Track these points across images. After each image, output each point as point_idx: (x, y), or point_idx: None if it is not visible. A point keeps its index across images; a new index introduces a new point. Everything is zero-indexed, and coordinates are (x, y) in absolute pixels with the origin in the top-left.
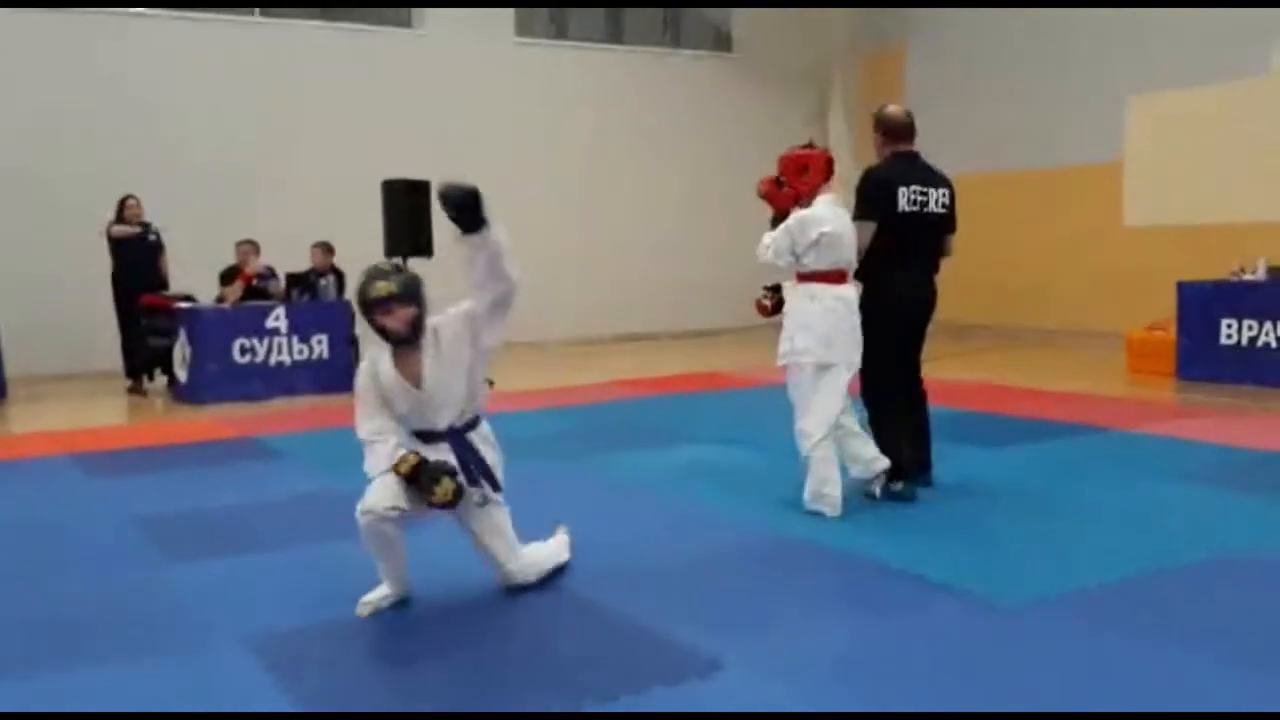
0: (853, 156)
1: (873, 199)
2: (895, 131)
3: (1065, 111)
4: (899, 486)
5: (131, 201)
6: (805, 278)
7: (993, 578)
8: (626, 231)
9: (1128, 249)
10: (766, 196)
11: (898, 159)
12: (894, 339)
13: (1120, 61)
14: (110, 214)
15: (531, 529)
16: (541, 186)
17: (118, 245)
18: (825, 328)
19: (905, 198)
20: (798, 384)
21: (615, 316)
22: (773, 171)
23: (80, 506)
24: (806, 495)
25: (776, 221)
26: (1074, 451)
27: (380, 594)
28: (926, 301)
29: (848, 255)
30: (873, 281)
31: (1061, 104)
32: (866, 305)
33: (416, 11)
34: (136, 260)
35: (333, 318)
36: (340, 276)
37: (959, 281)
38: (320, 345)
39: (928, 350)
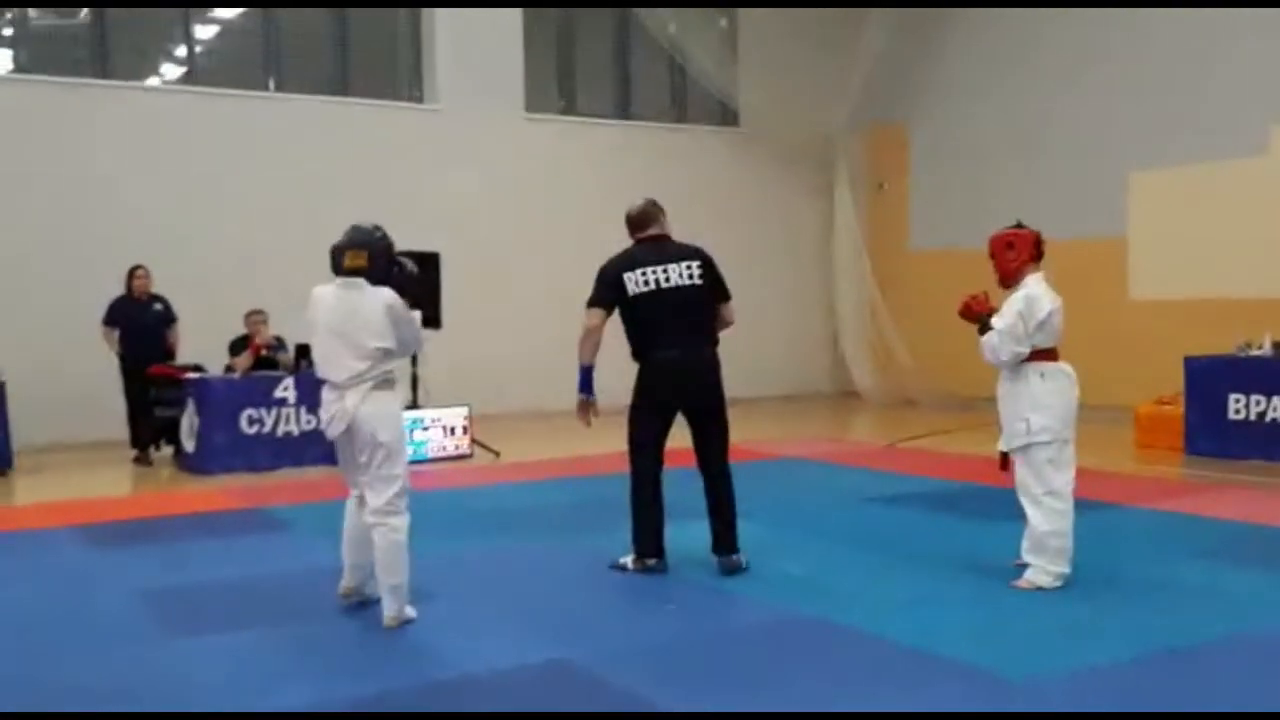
0: (860, 228)
1: (603, 290)
2: (630, 224)
3: (1069, 186)
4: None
5: (140, 272)
6: (1030, 357)
7: (1003, 654)
8: None
9: (1134, 322)
10: (968, 310)
11: (636, 245)
12: (655, 414)
13: (1123, 139)
14: (120, 286)
15: (532, 605)
16: (549, 258)
17: (124, 316)
18: (1060, 405)
19: (633, 281)
20: (1036, 463)
21: (623, 388)
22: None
23: (83, 579)
24: (1062, 567)
25: (983, 329)
26: (1083, 527)
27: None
28: (693, 377)
29: (1061, 330)
30: (639, 363)
31: (1066, 179)
32: (635, 387)
33: (429, 86)
34: (143, 331)
35: None
36: None
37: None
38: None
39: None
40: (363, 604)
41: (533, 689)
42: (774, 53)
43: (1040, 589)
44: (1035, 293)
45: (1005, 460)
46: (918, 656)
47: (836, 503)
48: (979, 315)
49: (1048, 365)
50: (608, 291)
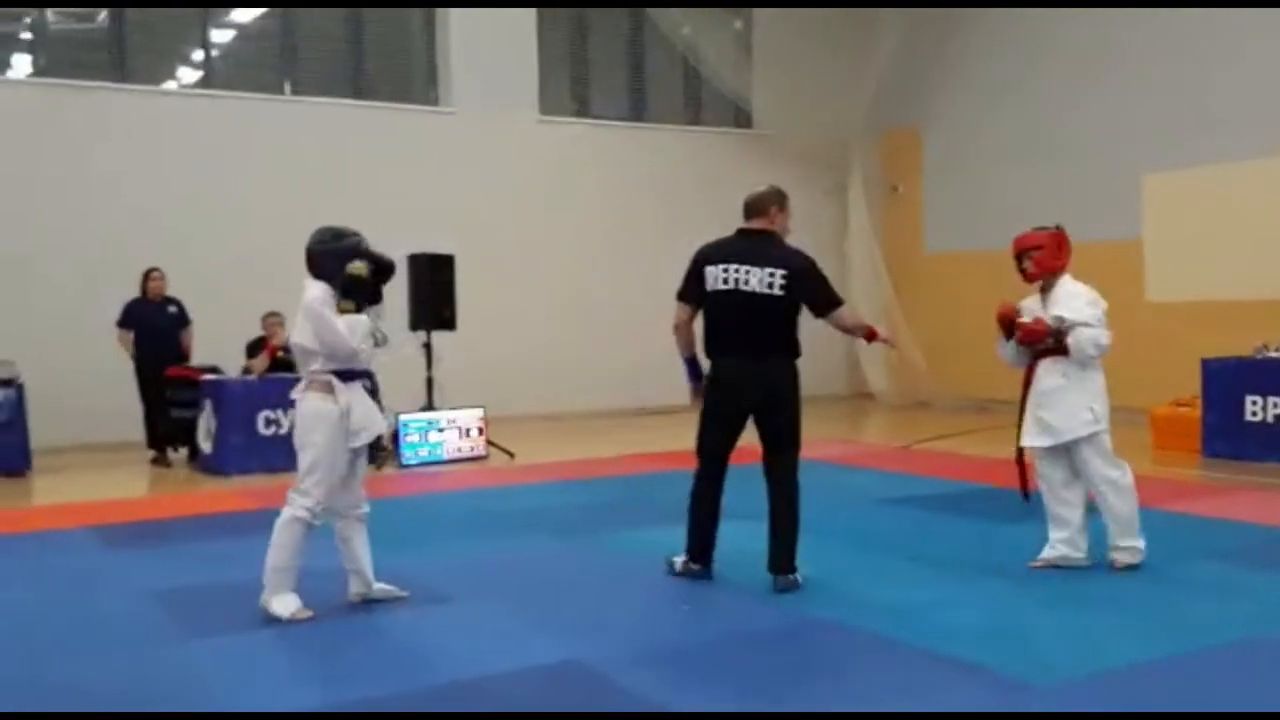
0: (874, 231)
1: (686, 280)
2: (744, 208)
3: (1084, 188)
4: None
5: (155, 274)
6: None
7: (1019, 657)
8: (648, 305)
9: (1150, 324)
10: (1037, 334)
11: (734, 235)
12: (717, 419)
13: (1137, 140)
14: (135, 289)
15: (547, 606)
16: (564, 261)
17: (139, 318)
18: (1106, 394)
19: (714, 276)
20: (1103, 449)
21: (636, 389)
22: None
23: (98, 580)
24: (1137, 541)
25: (1058, 338)
26: (1101, 529)
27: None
28: (757, 388)
29: None
30: (709, 365)
31: (1080, 181)
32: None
33: (443, 89)
34: (158, 333)
35: None
36: None
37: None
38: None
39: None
40: (368, 603)
41: (547, 689)
42: (788, 55)
43: (1131, 567)
44: (1092, 290)
45: (1022, 455)
46: (932, 659)
47: (851, 504)
48: (1046, 331)
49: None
50: (691, 282)
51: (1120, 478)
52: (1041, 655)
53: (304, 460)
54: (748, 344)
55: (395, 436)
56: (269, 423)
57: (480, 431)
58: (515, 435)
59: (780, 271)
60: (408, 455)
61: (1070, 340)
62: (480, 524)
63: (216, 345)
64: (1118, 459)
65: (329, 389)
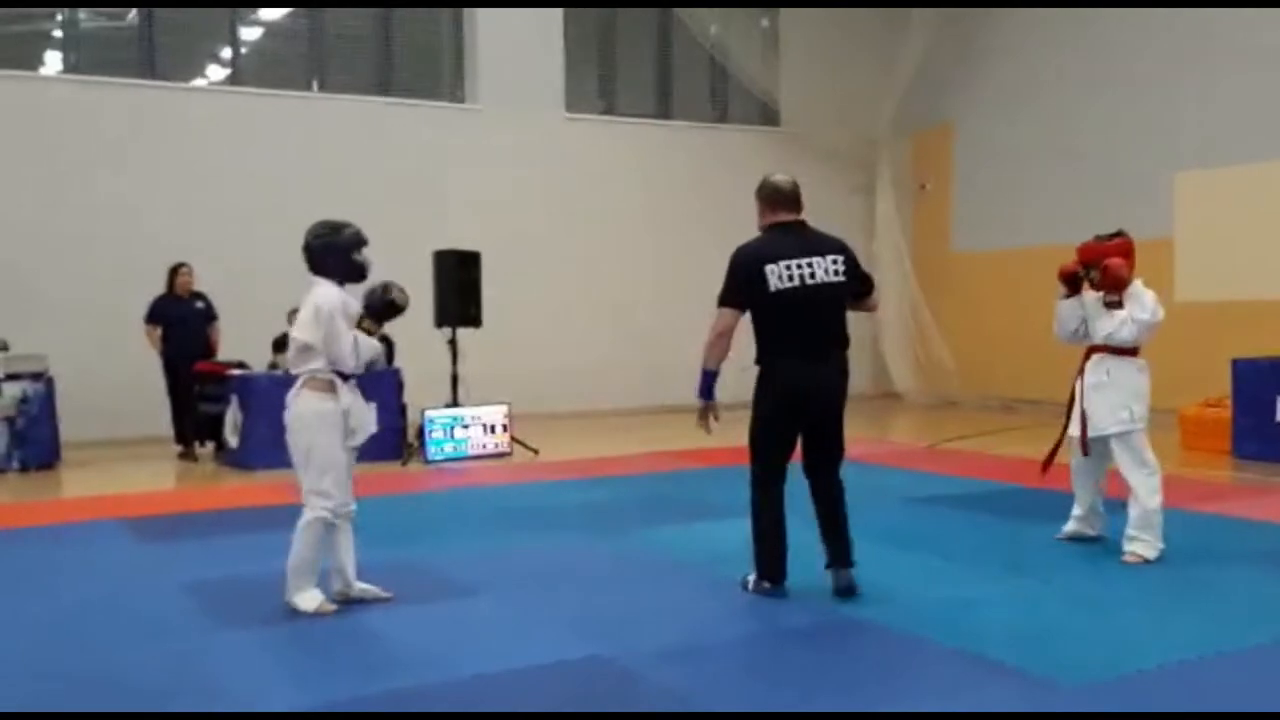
0: (902, 230)
1: (737, 285)
2: (769, 200)
3: (1114, 187)
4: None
5: (184, 270)
6: (1131, 352)
7: (1051, 658)
8: (674, 302)
9: (1180, 325)
10: (1118, 275)
11: (773, 230)
12: (781, 429)
13: (1168, 139)
14: (163, 284)
15: (572, 602)
16: (589, 258)
17: (167, 314)
18: (1148, 396)
19: (777, 275)
20: (1137, 446)
21: (661, 387)
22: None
23: (130, 572)
24: (1161, 542)
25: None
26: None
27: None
28: (824, 391)
29: None
30: (764, 370)
31: (1110, 179)
32: (758, 394)
33: (470, 87)
34: (186, 328)
35: (383, 386)
36: (390, 345)
37: (1008, 357)
38: (369, 413)
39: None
40: (349, 603)
41: (572, 685)
42: (816, 53)
43: (1146, 561)
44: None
45: (1052, 456)
46: (963, 658)
47: (877, 503)
48: (1127, 276)
49: (1143, 361)
50: (744, 287)
51: (1146, 479)
52: (1072, 655)
53: (315, 462)
54: (818, 341)
55: (420, 432)
56: None
57: (505, 428)
58: (540, 432)
59: (840, 257)
60: (432, 451)
61: (1118, 312)
62: (504, 520)
63: (244, 341)
64: (1149, 459)
65: (331, 389)
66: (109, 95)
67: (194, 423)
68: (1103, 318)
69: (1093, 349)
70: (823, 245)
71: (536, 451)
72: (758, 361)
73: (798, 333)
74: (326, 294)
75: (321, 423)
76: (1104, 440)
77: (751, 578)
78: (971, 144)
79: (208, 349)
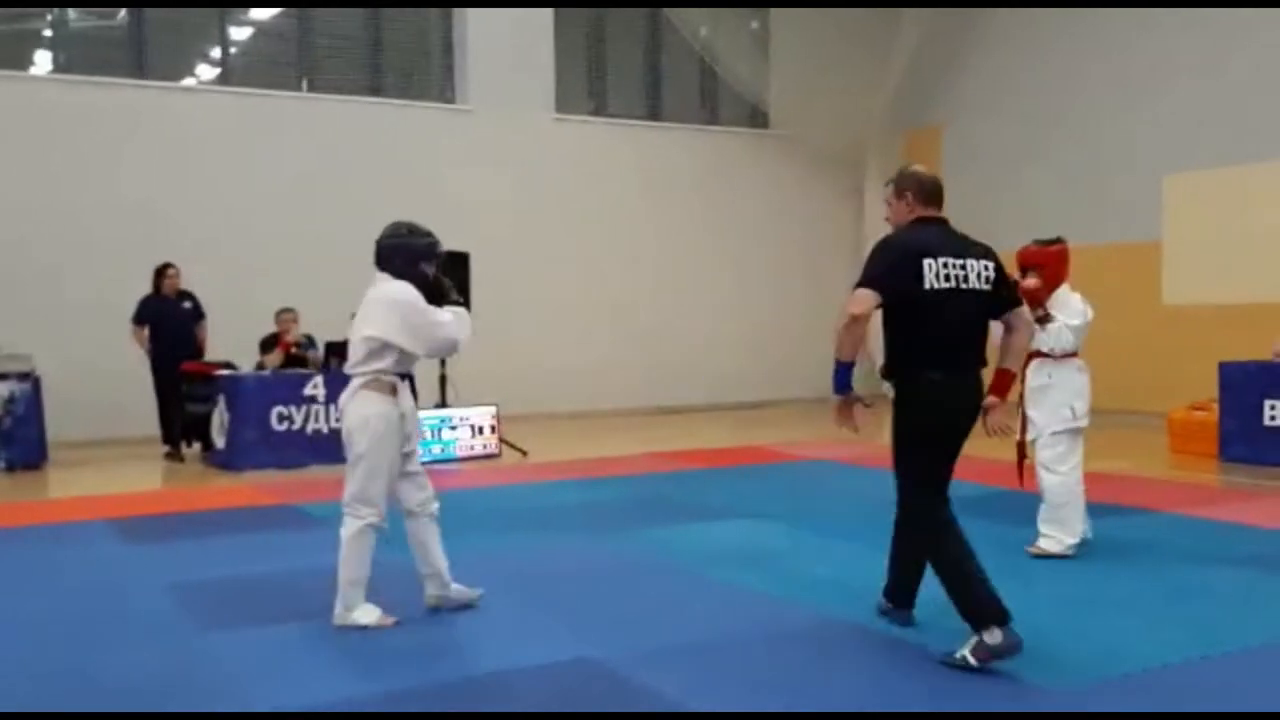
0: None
1: (889, 268)
2: (919, 192)
3: (1104, 190)
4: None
5: (170, 270)
6: (1070, 355)
7: (1038, 661)
8: (664, 304)
9: (1168, 327)
10: (1036, 296)
11: (926, 224)
12: (936, 450)
13: (1158, 141)
14: (150, 284)
15: (560, 603)
16: (579, 259)
17: (154, 314)
18: (1089, 395)
19: (934, 271)
20: (1069, 444)
21: (653, 389)
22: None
23: (114, 573)
24: (1074, 539)
25: (1041, 319)
26: (1117, 533)
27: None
28: (967, 414)
29: None
30: (905, 384)
31: (1100, 182)
32: (900, 413)
33: (460, 87)
34: (173, 328)
35: None
36: None
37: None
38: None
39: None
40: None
41: (561, 687)
42: (805, 55)
43: (1050, 556)
44: (1085, 301)
45: (1021, 462)
46: (949, 661)
47: (865, 505)
48: (1043, 294)
49: (1081, 361)
50: (895, 274)
51: (1070, 472)
52: (1058, 659)
53: (363, 467)
54: (966, 354)
55: None
56: (282, 418)
57: (493, 429)
58: (528, 433)
59: (990, 264)
60: (420, 453)
61: (1050, 324)
62: (493, 521)
63: (231, 341)
64: (1069, 457)
65: (392, 391)
66: (99, 95)
67: (181, 423)
68: (1038, 332)
69: (1034, 354)
70: (975, 248)
71: (525, 453)
72: (890, 375)
73: (947, 341)
74: (401, 286)
75: (381, 425)
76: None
77: (970, 645)
78: (960, 145)
79: (195, 349)
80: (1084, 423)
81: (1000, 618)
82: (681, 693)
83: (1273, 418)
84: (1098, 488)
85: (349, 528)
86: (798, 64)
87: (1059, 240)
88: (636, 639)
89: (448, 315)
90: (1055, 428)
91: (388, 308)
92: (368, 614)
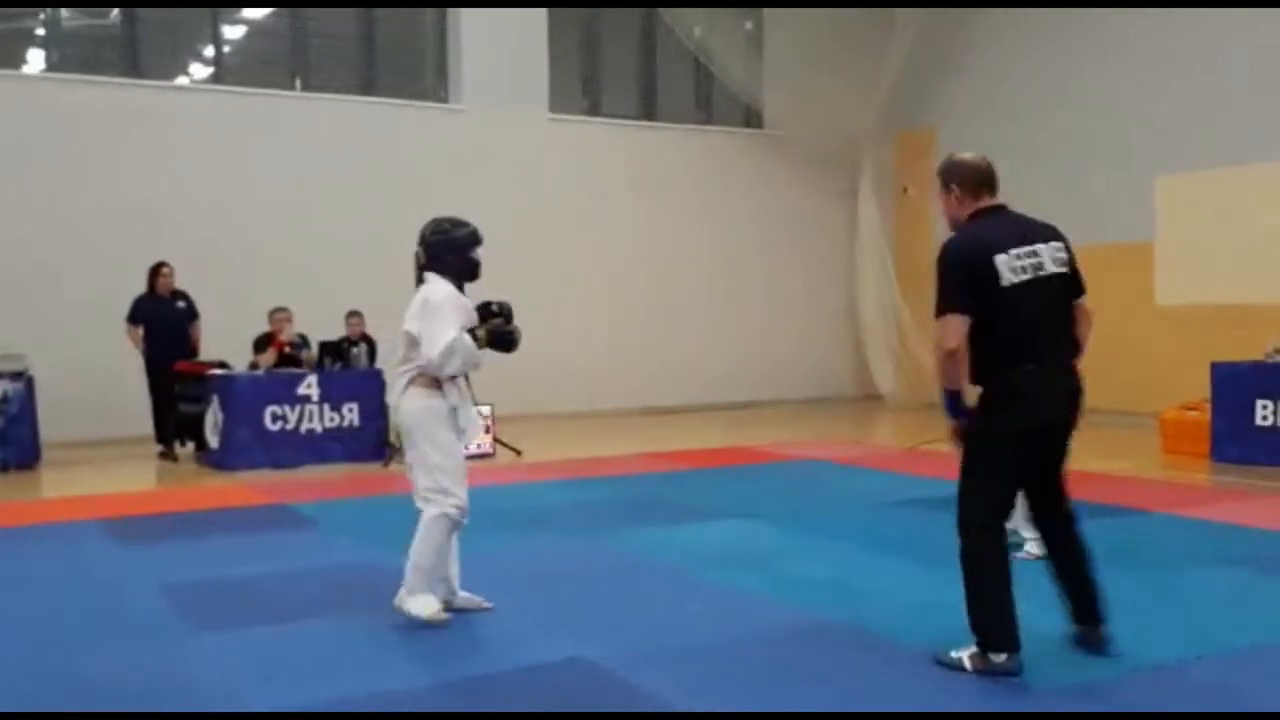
0: (884, 233)
1: (963, 283)
2: (971, 181)
3: (1097, 190)
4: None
5: (165, 270)
6: None
7: (1030, 661)
8: (658, 305)
9: (1160, 328)
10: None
11: (984, 217)
12: (1018, 454)
13: (1151, 142)
14: (144, 284)
15: (553, 604)
16: (575, 260)
17: (148, 313)
18: None
19: (1008, 267)
20: None
21: (646, 389)
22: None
23: (108, 573)
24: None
25: None
26: (1108, 534)
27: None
28: (1064, 409)
29: None
30: (990, 386)
31: (1093, 183)
32: (982, 417)
33: (454, 87)
34: (167, 328)
35: (364, 386)
36: (372, 345)
37: None
38: (351, 414)
39: None
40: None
41: (554, 687)
42: (800, 56)
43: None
44: None
45: None
46: (940, 661)
47: (858, 505)
48: None
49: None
50: (972, 286)
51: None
52: (1048, 659)
53: (430, 460)
54: (1056, 342)
55: None
56: (275, 418)
57: (487, 429)
58: (523, 434)
59: (1061, 244)
60: (408, 452)
61: None
62: (487, 522)
63: (224, 341)
64: None
65: (437, 385)
66: (91, 94)
67: (174, 422)
68: None
69: None
70: (1043, 231)
71: (519, 453)
72: (978, 379)
73: (1033, 337)
74: (439, 288)
75: (433, 419)
76: None
77: (969, 652)
78: (954, 147)
79: (189, 348)
80: None
81: (1012, 646)
82: (676, 693)
83: (1264, 418)
84: (1090, 488)
85: (427, 512)
86: (792, 65)
87: None
88: (631, 639)
89: (447, 337)
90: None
91: (422, 306)
92: (423, 605)
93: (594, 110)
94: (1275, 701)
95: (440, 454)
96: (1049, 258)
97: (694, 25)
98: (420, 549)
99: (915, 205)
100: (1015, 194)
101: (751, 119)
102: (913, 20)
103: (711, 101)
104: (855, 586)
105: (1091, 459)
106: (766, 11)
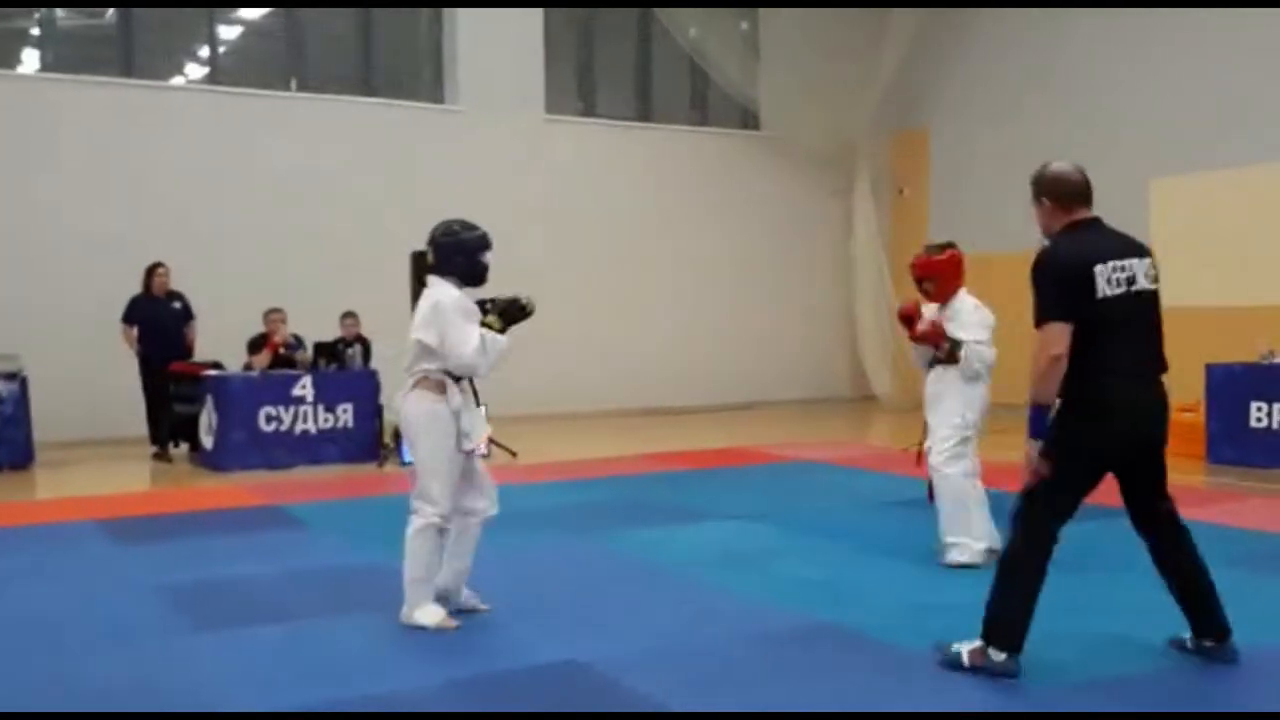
0: (880, 234)
1: (1063, 292)
2: (1069, 193)
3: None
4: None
5: (160, 270)
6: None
7: (1028, 662)
8: (653, 305)
9: None
10: (934, 335)
11: (1080, 229)
12: (1089, 470)
13: (1144, 144)
14: (139, 284)
15: (547, 606)
16: (571, 261)
17: (143, 314)
18: (985, 404)
19: (1105, 279)
20: (963, 453)
21: (642, 390)
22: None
23: (102, 573)
24: (986, 543)
25: (949, 354)
26: (1102, 535)
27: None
28: (1152, 422)
29: None
30: (1076, 395)
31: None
32: (1064, 424)
33: (450, 88)
34: (162, 328)
35: (359, 387)
36: (367, 346)
37: None
38: (346, 415)
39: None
40: (460, 612)
41: (547, 689)
42: (795, 56)
43: (966, 566)
44: (981, 304)
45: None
46: (932, 662)
47: (854, 506)
48: (940, 336)
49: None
50: (1073, 293)
51: (965, 481)
52: (1045, 660)
53: (423, 465)
54: (1144, 356)
55: (396, 434)
56: (270, 419)
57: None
58: (518, 434)
59: (1152, 260)
60: (409, 453)
61: (961, 354)
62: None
63: (219, 341)
64: (960, 460)
65: (441, 389)
66: (87, 94)
67: (169, 423)
68: (959, 366)
69: (935, 360)
70: (1136, 247)
71: (515, 454)
72: (1063, 389)
73: (1125, 350)
74: (445, 292)
75: (431, 424)
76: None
77: (970, 647)
78: (949, 147)
79: (184, 349)
80: (971, 431)
81: (1015, 647)
82: (670, 694)
83: (1259, 420)
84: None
85: (411, 525)
86: (788, 65)
87: (950, 246)
88: (626, 640)
89: (475, 337)
90: (944, 431)
91: (430, 311)
92: (429, 615)
93: (589, 111)
94: (1273, 702)
95: (431, 461)
96: (1142, 273)
97: (689, 26)
98: (410, 563)
99: (911, 205)
100: (1012, 195)
101: (747, 120)
102: (908, 21)
103: (707, 102)
104: (850, 587)
105: None
106: (762, 12)
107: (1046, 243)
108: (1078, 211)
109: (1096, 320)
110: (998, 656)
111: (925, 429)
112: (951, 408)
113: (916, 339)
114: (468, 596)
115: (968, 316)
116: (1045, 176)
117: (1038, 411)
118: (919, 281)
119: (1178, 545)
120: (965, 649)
